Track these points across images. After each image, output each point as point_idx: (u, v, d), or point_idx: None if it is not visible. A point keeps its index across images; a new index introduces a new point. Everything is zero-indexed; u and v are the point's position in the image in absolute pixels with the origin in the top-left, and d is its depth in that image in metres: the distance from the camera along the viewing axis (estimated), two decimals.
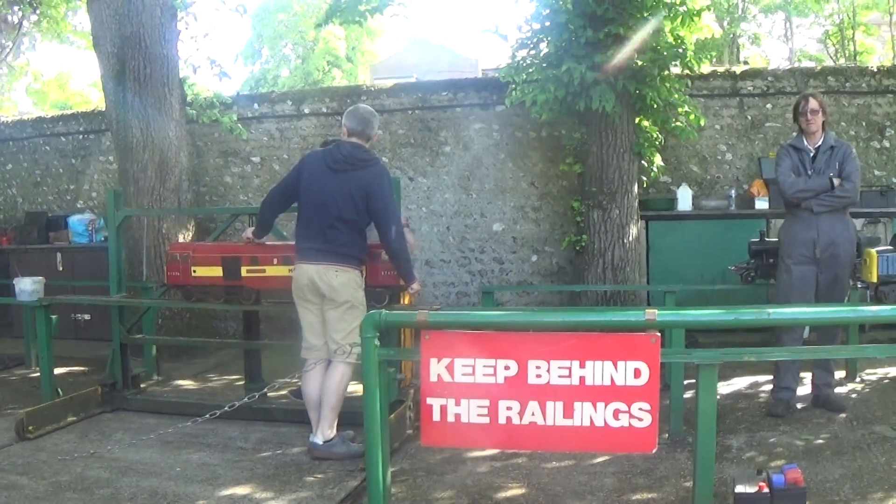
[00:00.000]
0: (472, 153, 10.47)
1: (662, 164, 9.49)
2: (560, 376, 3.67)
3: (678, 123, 9.02)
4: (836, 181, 6.14)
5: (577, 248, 9.06)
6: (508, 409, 3.74)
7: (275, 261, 6.45)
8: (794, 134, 6.55)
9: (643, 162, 9.17)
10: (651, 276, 9.46)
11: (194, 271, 6.64)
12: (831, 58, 21.72)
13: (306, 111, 11.02)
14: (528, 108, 8.90)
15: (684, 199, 9.56)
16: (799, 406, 6.41)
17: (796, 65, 17.79)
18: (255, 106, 11.21)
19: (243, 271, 6.52)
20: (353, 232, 5.56)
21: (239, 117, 10.92)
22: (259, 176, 11.21)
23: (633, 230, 8.85)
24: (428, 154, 10.66)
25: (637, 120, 8.93)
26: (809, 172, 6.24)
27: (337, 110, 10.82)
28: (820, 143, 6.29)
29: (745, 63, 18.15)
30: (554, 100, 8.44)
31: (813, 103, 6.27)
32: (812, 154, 6.29)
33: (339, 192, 5.50)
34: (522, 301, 10.33)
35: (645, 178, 9.40)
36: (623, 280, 8.73)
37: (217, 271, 6.59)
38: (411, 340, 6.85)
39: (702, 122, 9.13)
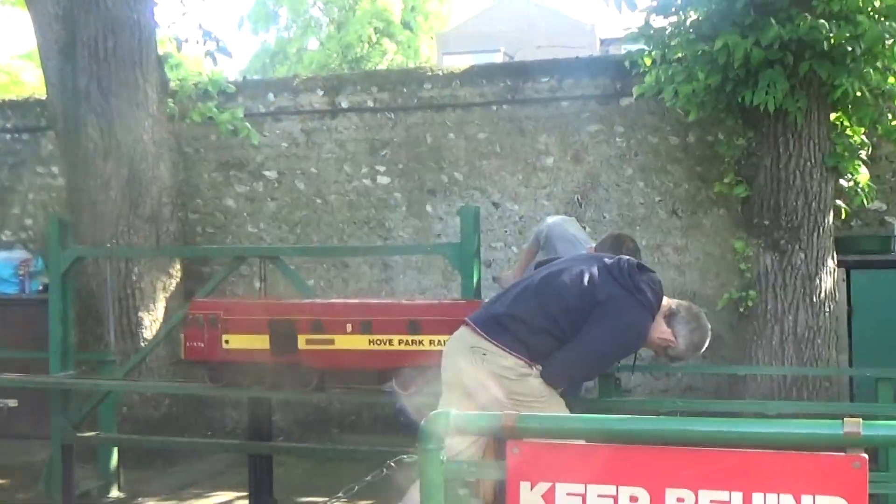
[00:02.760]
0: (586, 168, 10.46)
1: (871, 184, 9.37)
2: None
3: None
4: None
5: (741, 309, 9.01)
6: None
7: (349, 327, 6.52)
8: None
9: (842, 181, 9.07)
10: (854, 353, 9.34)
11: (226, 341, 6.74)
12: None
13: (344, 105, 11.11)
14: (668, 102, 8.89)
15: None
16: None
17: None
18: (270, 96, 11.34)
19: (301, 342, 6.60)
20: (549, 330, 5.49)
21: (246, 113, 10.99)
22: (275, 198, 11.33)
23: (827, 283, 8.77)
24: (521, 169, 10.69)
25: (833, 118, 8.88)
26: None
27: (388, 104, 10.97)
28: None
29: None
30: (706, 90, 8.46)
31: None
32: None
33: (576, 285, 5.54)
34: (658, 386, 10.25)
35: (844, 205, 9.29)
36: (812, 359, 8.67)
37: (261, 341, 6.68)
38: (492, 451, 6.78)
39: None
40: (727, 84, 8.37)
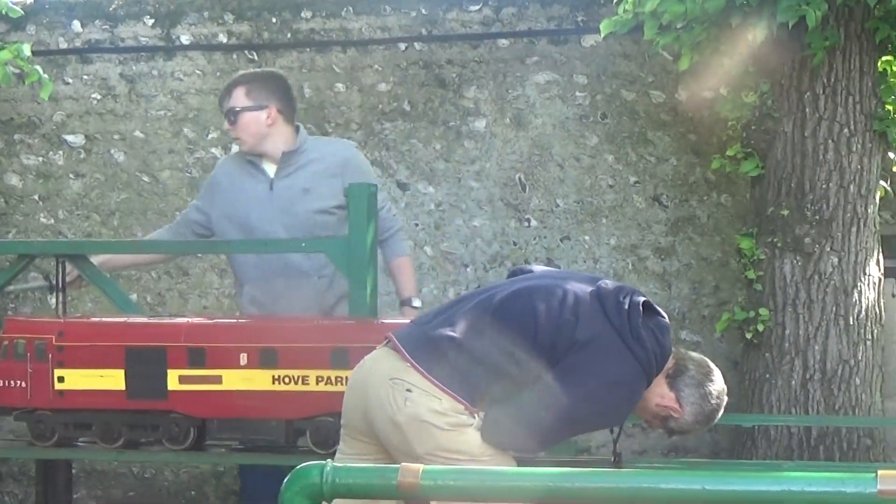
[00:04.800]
0: (531, 134, 10.43)
1: None
2: None
3: None
4: None
5: (749, 335, 8.97)
6: None
7: (243, 358, 6.36)
8: None
9: (892, 154, 9.12)
10: None
11: (61, 379, 6.53)
12: None
13: (184, 39, 11.05)
14: (648, 35, 8.79)
15: None
16: None
17: None
18: (76, 25, 11.24)
19: (171, 379, 6.43)
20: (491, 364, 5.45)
21: (38, 49, 10.82)
22: (82, 174, 11.22)
23: (869, 298, 8.79)
24: (439, 135, 10.66)
25: (880, 66, 8.90)
26: None
27: (249, 39, 10.91)
28: None
29: None
30: (701, 21, 8.43)
31: None
32: None
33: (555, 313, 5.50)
34: (631, 445, 10.21)
35: (893, 189, 9.33)
36: (847, 405, 8.73)
37: (114, 379, 6.50)
38: None
39: None
40: (734, 13, 8.26)
